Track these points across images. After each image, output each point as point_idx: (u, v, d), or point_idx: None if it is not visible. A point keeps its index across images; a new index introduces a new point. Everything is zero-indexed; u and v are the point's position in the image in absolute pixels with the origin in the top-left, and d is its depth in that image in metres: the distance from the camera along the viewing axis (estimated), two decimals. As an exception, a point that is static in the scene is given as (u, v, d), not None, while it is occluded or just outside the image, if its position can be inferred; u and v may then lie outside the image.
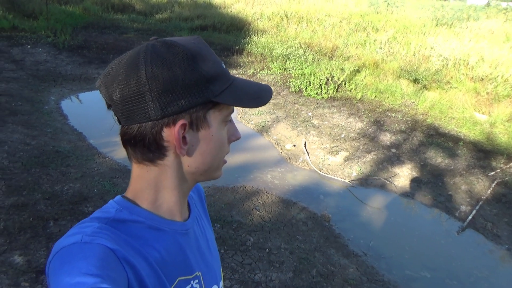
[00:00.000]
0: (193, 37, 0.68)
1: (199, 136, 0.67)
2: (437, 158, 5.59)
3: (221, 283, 0.89)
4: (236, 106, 0.68)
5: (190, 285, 0.73)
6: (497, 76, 7.52)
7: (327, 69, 8.05)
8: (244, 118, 6.62)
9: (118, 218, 0.66)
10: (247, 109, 6.92)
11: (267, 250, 3.38)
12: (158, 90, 0.61)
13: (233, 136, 0.74)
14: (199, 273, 0.76)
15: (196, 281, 0.75)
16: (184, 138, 0.65)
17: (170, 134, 0.64)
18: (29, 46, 8.45)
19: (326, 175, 5.14)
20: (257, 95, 0.69)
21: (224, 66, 0.70)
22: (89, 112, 6.34)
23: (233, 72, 8.52)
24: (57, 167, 4.13)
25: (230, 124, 0.73)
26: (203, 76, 0.63)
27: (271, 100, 7.14)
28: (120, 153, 4.82)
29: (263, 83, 7.05)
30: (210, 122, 0.67)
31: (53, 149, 4.52)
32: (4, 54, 7.77)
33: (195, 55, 0.63)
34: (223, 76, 0.67)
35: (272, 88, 7.72)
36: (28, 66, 7.43)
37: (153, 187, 0.70)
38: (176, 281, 0.70)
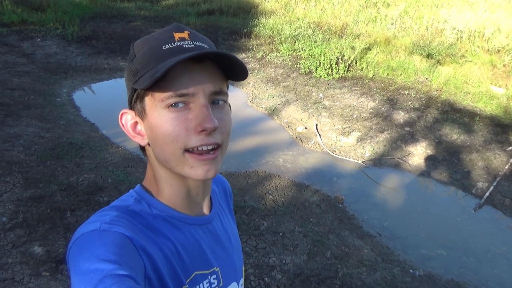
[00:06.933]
0: (164, 29, 0.67)
1: (145, 126, 0.68)
2: (453, 135, 5.47)
3: (242, 281, 0.87)
4: (140, 88, 0.63)
5: (207, 280, 0.73)
6: (515, 47, 7.26)
7: (337, 49, 7.89)
8: (255, 102, 6.58)
9: (135, 208, 0.68)
10: (257, 93, 6.86)
11: (281, 234, 3.39)
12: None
13: (200, 126, 0.62)
14: (217, 268, 0.76)
15: (214, 276, 0.74)
16: (134, 127, 0.70)
17: None
18: (39, 39, 8.50)
19: (339, 156, 5.10)
20: (156, 71, 0.60)
21: (176, 45, 0.63)
22: (100, 103, 6.39)
23: (242, 56, 8.43)
24: (72, 159, 4.20)
25: (199, 110, 0.63)
26: (134, 68, 0.66)
27: (281, 83, 7.15)
28: (132, 143, 4.85)
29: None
30: (147, 110, 0.65)
31: (67, 141, 4.59)
32: (15, 48, 7.84)
33: (136, 51, 0.66)
34: (151, 61, 0.63)
35: (282, 70, 7.63)
36: (39, 59, 7.49)
37: (153, 178, 0.73)
38: (193, 275, 0.70)
